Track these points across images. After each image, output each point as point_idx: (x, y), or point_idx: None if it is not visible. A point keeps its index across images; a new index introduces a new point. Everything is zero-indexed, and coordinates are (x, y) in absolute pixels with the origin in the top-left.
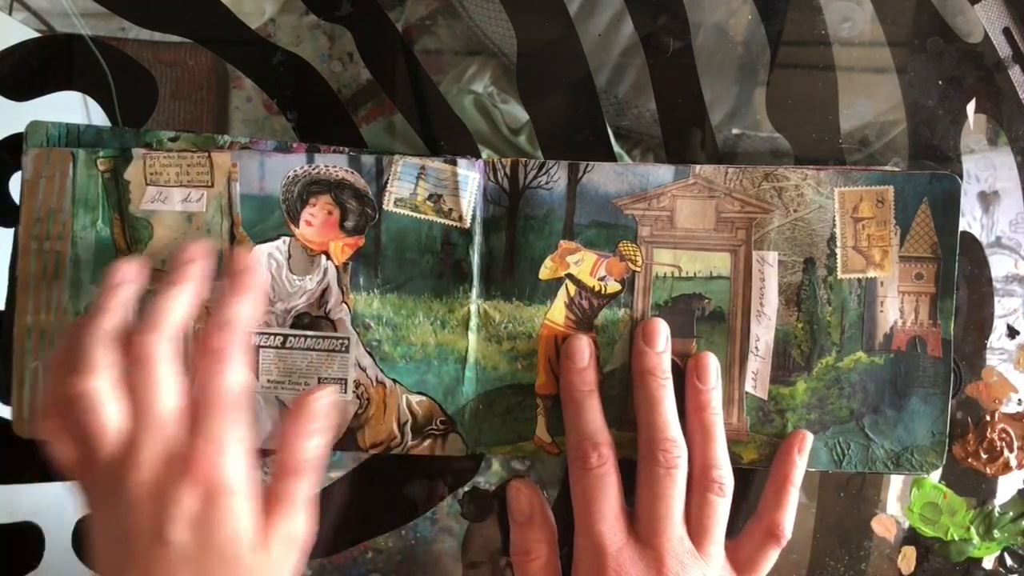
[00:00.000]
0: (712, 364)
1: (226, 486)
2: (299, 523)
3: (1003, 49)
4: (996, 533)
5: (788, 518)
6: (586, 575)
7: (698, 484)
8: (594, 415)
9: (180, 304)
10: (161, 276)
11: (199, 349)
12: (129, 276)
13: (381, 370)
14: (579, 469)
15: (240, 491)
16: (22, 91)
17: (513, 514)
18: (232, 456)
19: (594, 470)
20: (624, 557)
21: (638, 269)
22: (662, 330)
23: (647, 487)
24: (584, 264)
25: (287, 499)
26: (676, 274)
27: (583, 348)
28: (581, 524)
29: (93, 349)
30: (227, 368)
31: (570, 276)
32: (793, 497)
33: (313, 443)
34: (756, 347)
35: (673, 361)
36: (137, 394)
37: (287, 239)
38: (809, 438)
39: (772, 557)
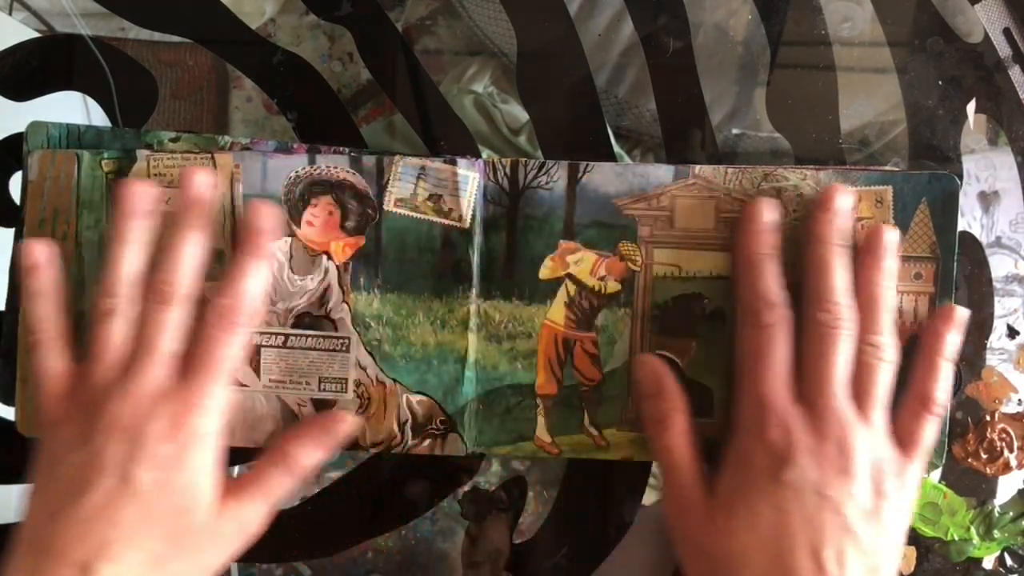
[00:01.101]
0: (890, 241)
1: (199, 437)
2: (257, 514)
3: (1003, 49)
4: (996, 533)
5: (941, 388)
6: (748, 430)
7: (861, 349)
8: (772, 278)
9: (195, 246)
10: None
11: (211, 307)
12: (147, 206)
13: (381, 370)
14: (750, 326)
15: (210, 447)
16: (22, 91)
17: (642, 387)
18: (211, 414)
19: (767, 327)
20: (789, 414)
21: (638, 269)
22: (842, 196)
23: (813, 347)
24: (584, 264)
25: (261, 486)
26: (676, 274)
27: (766, 210)
28: (748, 380)
29: (118, 278)
30: (232, 333)
31: (570, 276)
32: (945, 369)
33: (316, 455)
34: None
35: (671, 359)
36: (147, 329)
37: (288, 239)
38: (958, 312)
39: (930, 430)
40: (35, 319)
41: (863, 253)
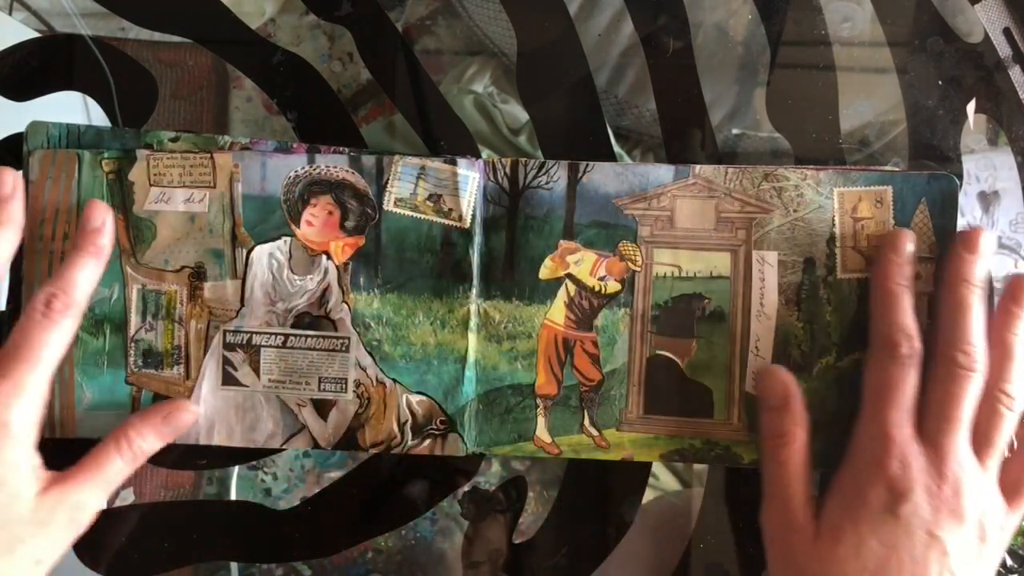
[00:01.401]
0: None
1: (6, 430)
2: (93, 498)
3: (1003, 49)
4: None
5: None
6: (866, 460)
7: (989, 395)
8: (909, 310)
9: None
10: (163, 275)
11: (32, 299)
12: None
13: (381, 370)
14: (885, 357)
15: (19, 439)
16: (22, 91)
17: (767, 399)
18: (21, 406)
19: (901, 359)
20: (909, 449)
21: (638, 269)
22: (985, 238)
23: (941, 386)
24: (584, 264)
25: (97, 470)
26: (676, 274)
27: (907, 241)
28: (872, 411)
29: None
30: (52, 321)
31: (570, 276)
32: None
33: (156, 443)
34: (756, 347)
35: (670, 358)
36: None
37: (288, 239)
38: None
39: None
40: None
41: (1005, 299)
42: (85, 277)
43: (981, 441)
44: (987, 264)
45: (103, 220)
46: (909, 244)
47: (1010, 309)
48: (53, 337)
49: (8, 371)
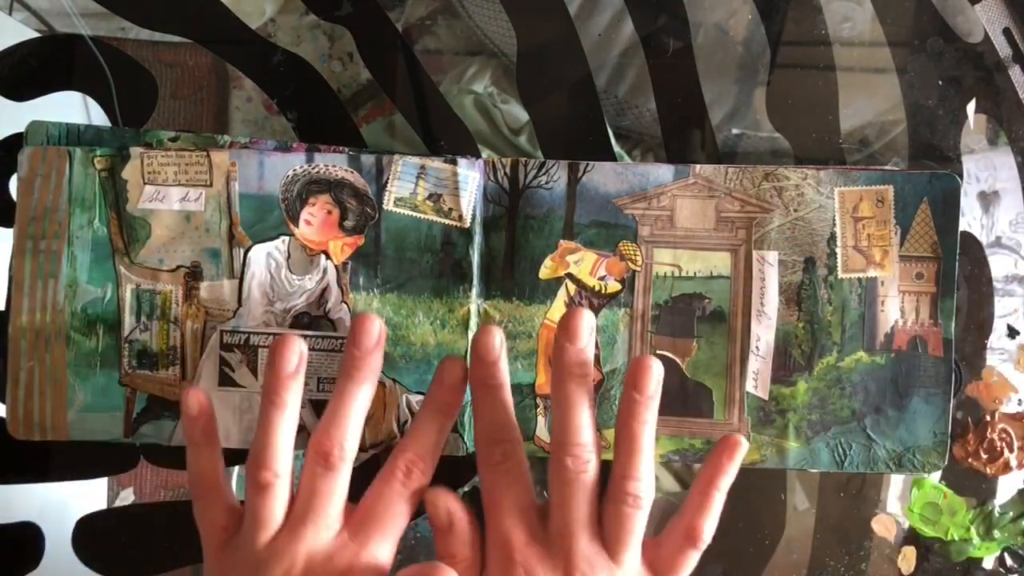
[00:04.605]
0: (654, 373)
1: None
2: None
3: (1003, 49)
4: (996, 533)
5: (709, 523)
6: (494, 570)
7: (614, 494)
8: (504, 409)
9: (364, 402)
10: (158, 275)
11: (392, 465)
12: (298, 366)
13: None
14: (485, 462)
15: None
16: (22, 91)
17: (434, 522)
18: (380, 572)
19: (495, 466)
20: (530, 552)
21: (638, 269)
22: (585, 324)
23: (556, 489)
24: (584, 264)
25: None
26: (676, 274)
27: (494, 339)
28: (489, 518)
29: (274, 448)
30: (412, 495)
31: (570, 276)
32: (717, 502)
33: None
34: (757, 347)
35: (670, 358)
36: (312, 497)
37: (286, 239)
38: (743, 446)
39: (691, 560)
40: (193, 473)
41: (627, 387)
42: (440, 440)
43: (611, 539)
44: (591, 350)
45: (458, 383)
46: (497, 338)
47: (633, 397)
48: (408, 507)
49: (364, 539)
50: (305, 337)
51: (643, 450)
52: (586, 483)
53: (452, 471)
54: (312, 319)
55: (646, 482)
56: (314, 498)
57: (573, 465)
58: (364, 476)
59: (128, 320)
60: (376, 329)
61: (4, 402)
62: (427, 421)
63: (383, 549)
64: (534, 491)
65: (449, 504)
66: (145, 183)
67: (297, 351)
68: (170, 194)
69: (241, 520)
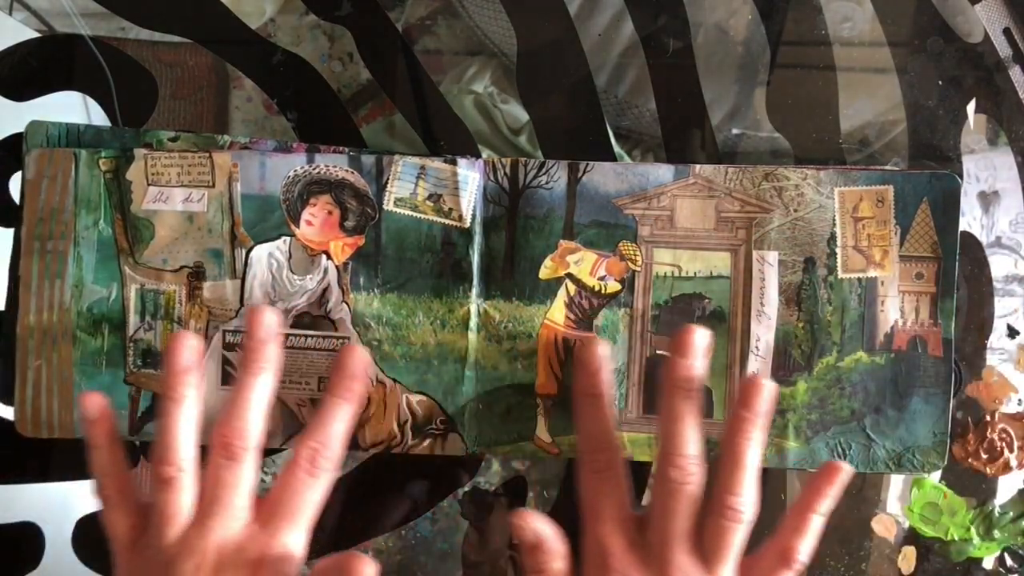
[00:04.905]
0: (765, 392)
1: None
2: None
3: (1003, 49)
4: (996, 533)
5: (805, 545)
6: (592, 575)
7: (715, 507)
8: (606, 418)
9: (262, 394)
10: (162, 275)
11: (296, 454)
12: (192, 360)
13: (381, 369)
14: (586, 469)
15: None
16: (22, 91)
17: (521, 543)
18: (291, 563)
19: (600, 472)
20: (627, 560)
21: (638, 269)
22: (698, 341)
23: (658, 499)
24: (584, 264)
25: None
26: (676, 274)
27: (598, 349)
28: (588, 524)
29: (175, 443)
30: (316, 477)
31: (570, 276)
32: (814, 525)
33: None
34: (756, 347)
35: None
36: (217, 488)
37: (287, 239)
38: (845, 472)
39: None
40: (97, 475)
41: (737, 405)
42: (343, 428)
43: (710, 553)
44: (702, 365)
45: (362, 368)
46: (601, 352)
47: (741, 415)
48: (315, 494)
49: (272, 528)
50: (306, 337)
51: (747, 467)
52: (689, 495)
53: (452, 471)
54: (313, 319)
55: (749, 498)
56: (219, 489)
57: (678, 476)
58: (364, 476)
59: (133, 320)
60: (268, 320)
61: (11, 402)
62: (329, 409)
63: (294, 537)
64: (633, 501)
65: (535, 522)
66: (149, 184)
67: (190, 346)
68: (173, 195)
69: (149, 518)
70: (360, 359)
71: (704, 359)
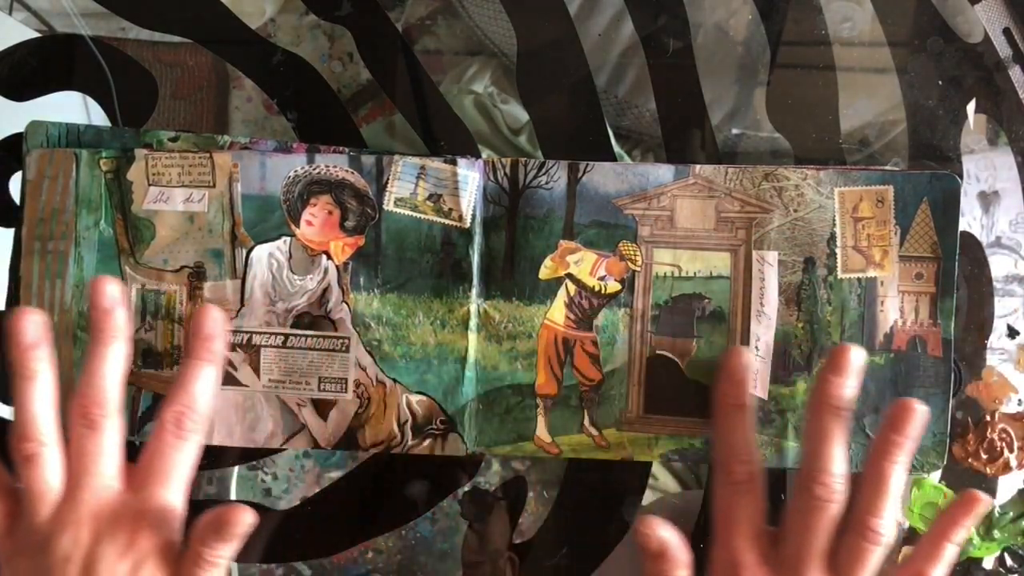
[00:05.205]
0: (917, 417)
1: (155, 550)
2: None
3: (1003, 49)
4: (996, 533)
5: (938, 573)
6: None
7: (855, 527)
8: (747, 430)
9: (115, 362)
10: (162, 275)
11: (161, 418)
12: (38, 335)
13: (381, 369)
14: (724, 481)
15: (166, 556)
16: (22, 91)
17: (645, 550)
18: (166, 525)
19: (737, 485)
20: (760, 575)
21: (638, 269)
22: (855, 361)
23: (799, 515)
24: (584, 264)
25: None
26: (676, 274)
27: (743, 359)
28: (720, 536)
29: (32, 418)
30: (184, 440)
31: (570, 276)
32: (948, 553)
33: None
34: (756, 347)
35: (670, 358)
36: (81, 458)
37: (288, 239)
38: (983, 503)
39: None
40: None
41: (885, 427)
42: (206, 387)
43: (845, 571)
44: (855, 385)
45: (218, 327)
46: (746, 361)
47: (891, 438)
48: (184, 455)
49: (145, 493)
50: (307, 337)
51: (891, 491)
52: (831, 513)
53: (452, 471)
54: (313, 319)
55: (889, 521)
56: (84, 459)
57: (823, 493)
58: (364, 476)
59: (134, 320)
60: (110, 290)
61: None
62: (190, 371)
63: (169, 497)
64: (767, 517)
65: (660, 530)
66: (149, 184)
67: (33, 321)
68: (174, 195)
69: (24, 513)
70: (214, 318)
71: (857, 379)
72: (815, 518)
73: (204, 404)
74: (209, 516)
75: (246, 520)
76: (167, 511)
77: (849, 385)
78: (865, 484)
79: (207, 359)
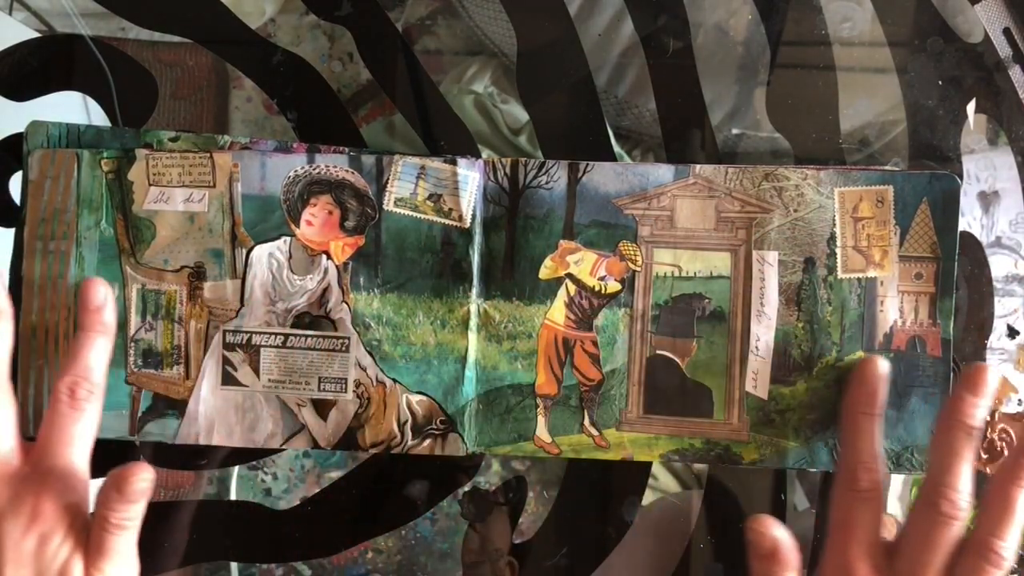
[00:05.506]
0: None
1: (59, 520)
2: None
3: (1003, 49)
4: None
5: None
6: None
7: (977, 548)
8: (875, 440)
9: (101, 350)
10: (163, 275)
11: (55, 390)
12: (105, 299)
13: (381, 370)
14: (847, 489)
15: (73, 527)
16: (22, 91)
17: (756, 549)
18: (68, 495)
19: (861, 493)
20: None
21: (638, 269)
22: (991, 382)
23: (920, 528)
24: (584, 264)
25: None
26: (676, 274)
27: (879, 367)
28: (835, 543)
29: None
30: (80, 409)
31: (570, 276)
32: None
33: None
34: (756, 347)
35: (670, 358)
36: None
37: (288, 239)
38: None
39: None
40: None
41: (1016, 452)
42: (99, 357)
43: None
44: (989, 405)
45: (104, 297)
46: (882, 371)
47: (1020, 462)
48: (84, 426)
49: (48, 466)
50: (307, 337)
51: (1017, 515)
52: (953, 529)
53: (452, 471)
54: (313, 319)
55: (1012, 546)
56: None
57: (948, 509)
58: (364, 476)
59: (134, 319)
60: (100, 290)
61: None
62: (81, 342)
63: (72, 464)
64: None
65: (775, 531)
66: (150, 184)
67: (101, 289)
68: (174, 195)
69: None
70: (99, 289)
71: (992, 400)
72: (938, 533)
73: (98, 374)
74: (108, 478)
75: (144, 477)
76: (69, 476)
77: (984, 405)
78: (990, 506)
79: (98, 330)
